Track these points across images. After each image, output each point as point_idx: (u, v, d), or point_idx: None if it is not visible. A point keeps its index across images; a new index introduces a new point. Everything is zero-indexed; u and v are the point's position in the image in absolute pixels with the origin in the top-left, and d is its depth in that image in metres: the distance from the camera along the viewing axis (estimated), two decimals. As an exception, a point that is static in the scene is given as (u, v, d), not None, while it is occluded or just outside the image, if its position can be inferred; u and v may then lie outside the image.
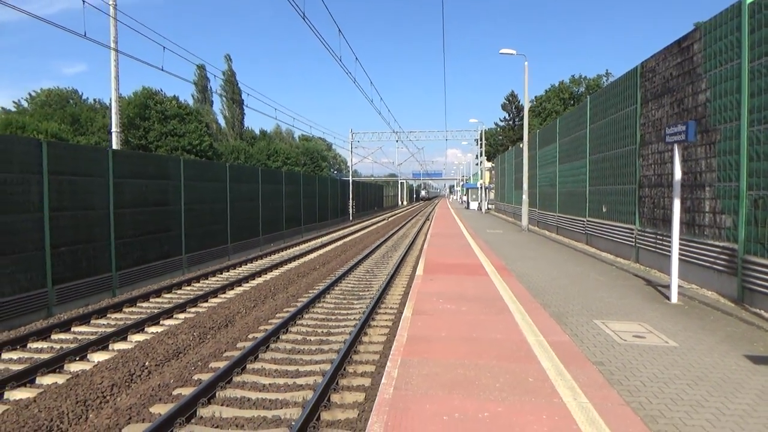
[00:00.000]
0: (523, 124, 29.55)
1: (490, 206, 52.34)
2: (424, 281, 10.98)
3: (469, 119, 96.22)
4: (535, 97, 62.32)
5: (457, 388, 4.91)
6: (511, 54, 24.77)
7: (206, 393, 6.42)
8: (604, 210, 17.25)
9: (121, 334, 9.31)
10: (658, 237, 12.93)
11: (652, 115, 13.53)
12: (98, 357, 8.26)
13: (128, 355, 8.08)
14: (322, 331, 9.64)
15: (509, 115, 69.82)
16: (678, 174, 9.14)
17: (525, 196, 26.25)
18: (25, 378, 7.16)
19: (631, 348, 6.50)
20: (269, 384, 7.02)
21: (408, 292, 11.75)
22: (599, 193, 17.74)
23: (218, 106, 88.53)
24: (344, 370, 7.45)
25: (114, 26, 18.78)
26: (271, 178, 26.91)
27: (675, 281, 9.26)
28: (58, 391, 6.65)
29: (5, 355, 8.43)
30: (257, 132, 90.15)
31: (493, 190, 53.68)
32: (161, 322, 10.45)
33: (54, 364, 7.67)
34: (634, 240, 14.54)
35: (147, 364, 7.77)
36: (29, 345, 8.99)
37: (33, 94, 58.10)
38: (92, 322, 10.57)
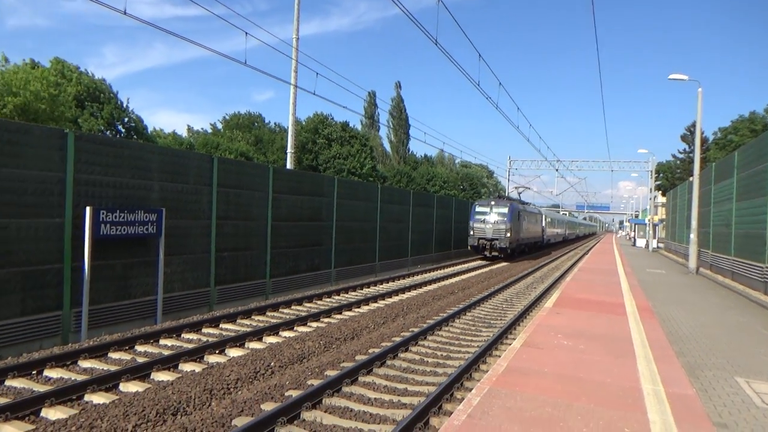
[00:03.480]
0: (706, 157, 26.73)
1: (659, 245, 47.87)
2: (550, 314, 10.48)
3: (638, 150, 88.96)
4: (720, 128, 55.99)
5: (535, 427, 4.70)
6: (683, 79, 22.74)
7: (313, 398, 6.83)
8: (786, 256, 14.97)
9: (257, 334, 10.24)
10: None
11: None
12: (234, 353, 9.18)
13: (258, 354, 8.89)
14: (441, 354, 9.68)
15: (689, 147, 63.52)
16: None
17: (693, 235, 23.69)
18: (169, 363, 8.23)
19: (771, 414, 5.63)
20: (374, 398, 7.25)
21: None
22: (781, 237, 15.45)
23: (384, 131, 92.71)
24: (451, 395, 7.42)
25: (294, 69, 21.10)
26: (422, 200, 27.55)
27: None
28: (192, 377, 7.56)
29: (162, 341, 9.75)
30: (419, 157, 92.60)
31: (665, 228, 49.02)
32: (295, 328, 11.27)
33: (195, 354, 8.70)
34: (820, 293, 12.43)
35: (272, 364, 8.47)
36: (183, 335, 10.27)
37: (227, 117, 66.13)
38: (238, 321, 11.74)
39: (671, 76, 22.62)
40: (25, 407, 6.20)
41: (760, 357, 8.10)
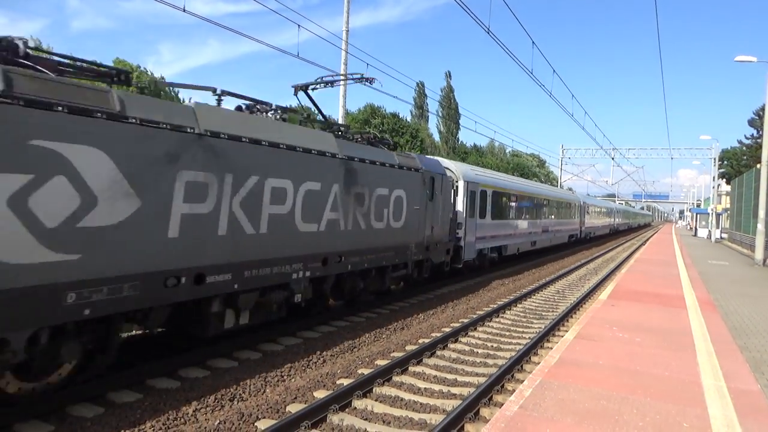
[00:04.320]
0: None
1: (723, 235, 45.78)
2: (604, 306, 10.23)
3: (700, 136, 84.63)
4: (792, 110, 52.84)
5: (589, 420, 4.62)
6: (750, 61, 21.60)
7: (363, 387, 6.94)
8: None
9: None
10: None
11: None
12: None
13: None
14: (492, 346, 9.62)
15: (758, 132, 60.28)
16: None
17: (760, 225, 22.56)
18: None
19: (843, 412, 5.34)
20: (424, 388, 7.29)
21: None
22: None
23: (434, 121, 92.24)
24: (502, 387, 7.37)
25: (344, 61, 21.28)
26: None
27: None
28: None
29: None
30: (469, 147, 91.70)
31: (728, 217, 46.85)
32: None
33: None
34: None
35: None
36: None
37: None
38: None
39: (738, 58, 21.55)
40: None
41: (832, 353, 7.67)
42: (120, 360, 6.77)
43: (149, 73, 42.13)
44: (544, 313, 12.72)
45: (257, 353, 8.60)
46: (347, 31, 21.40)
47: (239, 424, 5.88)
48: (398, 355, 8.70)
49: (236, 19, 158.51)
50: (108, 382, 6.62)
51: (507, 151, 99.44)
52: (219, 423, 5.83)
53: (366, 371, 7.79)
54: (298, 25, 15.22)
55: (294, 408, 6.34)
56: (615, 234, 57.66)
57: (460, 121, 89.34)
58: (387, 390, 7.13)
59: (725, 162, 64.20)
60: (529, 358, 8.70)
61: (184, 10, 12.01)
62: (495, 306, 12.90)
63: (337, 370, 7.84)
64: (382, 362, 8.29)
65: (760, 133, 59.31)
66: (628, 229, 75.95)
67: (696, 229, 54.62)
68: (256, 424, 5.91)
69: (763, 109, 59.96)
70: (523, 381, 7.53)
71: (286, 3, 16.59)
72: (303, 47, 76.31)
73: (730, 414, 5.02)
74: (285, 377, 7.55)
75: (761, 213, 22.92)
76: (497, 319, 11.79)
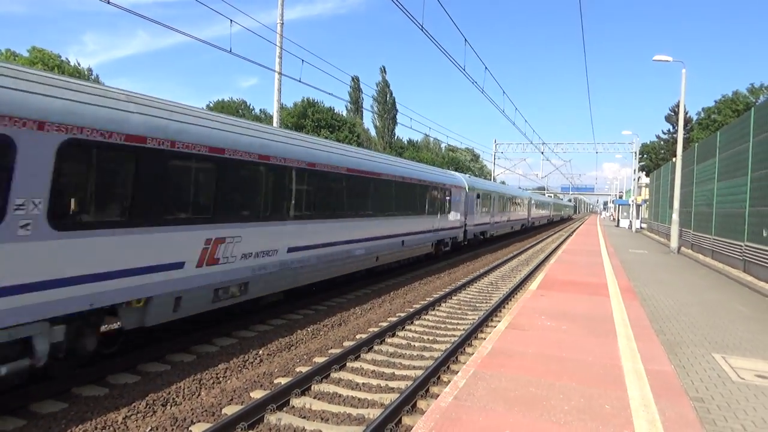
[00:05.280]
0: (690, 137, 27.03)
1: (642, 225, 48.50)
2: (534, 296, 10.65)
3: (622, 131, 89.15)
4: (704, 108, 56.58)
5: (519, 406, 4.83)
6: (667, 61, 22.96)
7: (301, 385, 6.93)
8: (765, 234, 15.28)
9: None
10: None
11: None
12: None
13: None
14: (428, 339, 9.81)
15: (674, 127, 64.15)
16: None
17: (675, 215, 24.08)
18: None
19: (746, 387, 5.83)
20: (362, 383, 7.36)
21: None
22: (760, 215, 15.75)
23: (370, 116, 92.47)
24: (438, 378, 7.54)
25: (279, 55, 20.90)
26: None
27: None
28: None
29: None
30: (405, 142, 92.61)
31: (648, 208, 49.68)
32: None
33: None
34: (796, 270, 12.74)
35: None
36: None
37: (210, 104, 65.56)
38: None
39: (655, 58, 22.86)
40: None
41: (737, 333, 8.33)
42: (44, 370, 6.42)
43: (76, 64, 39.96)
44: (478, 305, 13.09)
45: (191, 355, 8.40)
46: (282, 24, 21.08)
47: (173, 429, 5.74)
48: (336, 351, 8.74)
49: (166, 9, 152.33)
50: (30, 392, 6.30)
51: (442, 146, 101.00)
52: (151, 429, 5.68)
53: (304, 369, 7.78)
54: (230, 20, 14.88)
55: (230, 410, 6.26)
56: (537, 227, 52.95)
57: (396, 117, 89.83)
58: (325, 387, 7.15)
59: (645, 156, 67.90)
60: (464, 349, 8.95)
61: (108, 2, 11.49)
62: (431, 299, 13.15)
63: (274, 369, 7.78)
64: (320, 359, 8.30)
65: (676, 128, 63.22)
66: (549, 222, 67.40)
67: (618, 220, 57.54)
68: (190, 428, 5.79)
69: (678, 105, 63.91)
70: (457, 372, 7.79)
71: (217, -6, 16.12)
72: (237, 39, 74.32)
73: (647, 394, 5.37)
74: (220, 379, 7.43)
75: (676, 204, 24.48)
76: (433, 312, 12.03)
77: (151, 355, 8.04)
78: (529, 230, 45.29)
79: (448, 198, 20.92)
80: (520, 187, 62.68)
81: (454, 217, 21.74)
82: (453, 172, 26.51)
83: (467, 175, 28.88)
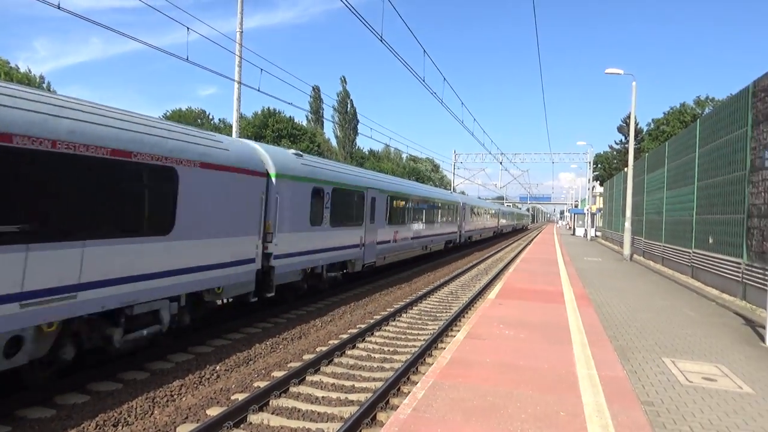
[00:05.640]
0: (641, 147, 27.97)
1: (597, 233, 49.85)
2: (492, 305, 10.80)
3: (577, 142, 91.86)
4: (653, 119, 58.69)
5: (477, 416, 4.87)
6: (618, 73, 23.76)
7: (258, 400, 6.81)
8: (710, 241, 15.93)
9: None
10: (767, 272, 11.75)
11: (764, 138, 12.43)
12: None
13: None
14: (388, 350, 9.80)
15: (625, 138, 66.28)
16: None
17: (627, 224, 24.85)
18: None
19: (694, 390, 6.04)
20: (322, 397, 7.29)
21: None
22: (706, 223, 16.43)
23: (331, 126, 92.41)
24: (398, 390, 7.53)
25: (238, 64, 20.67)
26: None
27: (769, 322, 8.41)
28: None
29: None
30: (366, 152, 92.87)
31: (602, 217, 51.12)
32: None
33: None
34: (741, 275, 13.30)
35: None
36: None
37: (168, 113, 64.33)
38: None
39: (608, 71, 23.66)
40: None
41: (685, 338, 8.63)
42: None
43: (27, 71, 38.62)
44: (438, 315, 13.16)
45: (144, 373, 8.15)
46: (241, 32, 20.90)
47: (124, 450, 5.56)
48: (295, 365, 8.63)
49: (121, 15, 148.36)
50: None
51: (403, 156, 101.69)
52: (101, 451, 5.48)
53: (262, 384, 7.65)
54: (188, 28, 14.66)
55: (184, 429, 6.09)
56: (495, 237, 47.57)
57: (357, 127, 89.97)
58: (284, 402, 7.05)
59: (599, 165, 69.88)
60: (424, 359, 8.97)
61: (59, 8, 11.17)
62: (392, 309, 13.15)
63: (231, 385, 7.63)
64: (278, 374, 8.18)
65: (628, 139, 65.30)
66: (499, 234, 55.84)
67: (574, 228, 58.98)
68: (143, 449, 5.61)
69: (629, 116, 66.04)
70: (417, 383, 7.80)
71: (174, 2, 15.84)
72: (195, 48, 73.23)
73: (600, 400, 5.50)
74: (175, 396, 7.23)
75: (628, 212, 25.26)
76: (394, 323, 12.03)
77: (102, 373, 7.77)
78: (499, 237, 53.43)
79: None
80: (482, 198, 64.00)
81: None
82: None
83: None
